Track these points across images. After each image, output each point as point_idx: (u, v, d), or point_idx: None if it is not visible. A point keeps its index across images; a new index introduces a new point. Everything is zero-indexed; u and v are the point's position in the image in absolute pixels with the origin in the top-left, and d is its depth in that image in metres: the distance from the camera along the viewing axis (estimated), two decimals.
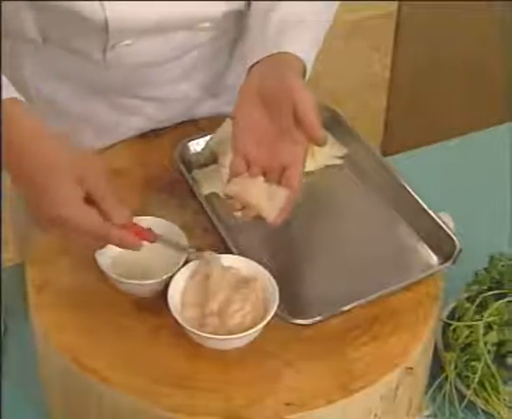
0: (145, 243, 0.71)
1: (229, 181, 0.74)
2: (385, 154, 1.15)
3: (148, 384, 0.67)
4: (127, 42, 0.82)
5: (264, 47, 0.78)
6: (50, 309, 0.73)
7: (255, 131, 0.75)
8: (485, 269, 0.89)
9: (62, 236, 0.70)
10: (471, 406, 0.83)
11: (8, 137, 0.67)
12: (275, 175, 0.75)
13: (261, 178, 0.74)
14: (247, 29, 0.84)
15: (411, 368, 0.71)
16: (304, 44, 0.78)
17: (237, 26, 0.90)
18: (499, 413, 0.82)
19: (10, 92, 0.70)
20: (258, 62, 0.77)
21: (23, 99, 0.71)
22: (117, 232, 0.68)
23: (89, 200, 0.67)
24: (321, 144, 0.74)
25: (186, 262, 0.73)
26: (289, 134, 0.74)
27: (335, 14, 0.90)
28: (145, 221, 0.78)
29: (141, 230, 0.71)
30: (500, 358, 0.84)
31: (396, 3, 1.98)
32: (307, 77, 0.79)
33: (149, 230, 0.72)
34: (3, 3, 0.75)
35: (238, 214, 0.75)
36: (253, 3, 0.85)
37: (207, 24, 0.85)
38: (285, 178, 0.74)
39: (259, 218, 0.74)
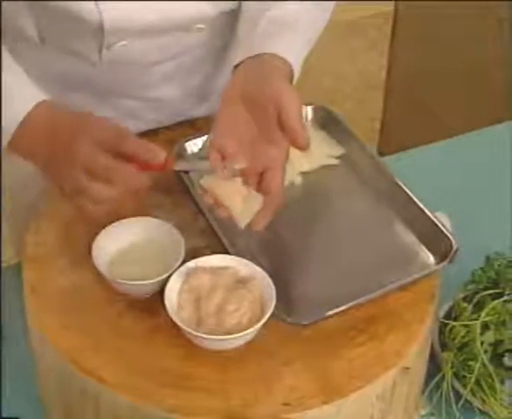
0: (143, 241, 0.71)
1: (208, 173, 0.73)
2: (382, 153, 1.16)
3: (145, 384, 0.67)
4: (122, 43, 0.82)
5: (250, 47, 0.77)
6: (46, 310, 0.73)
7: (236, 130, 0.73)
8: (481, 268, 0.90)
9: (83, 202, 0.70)
10: (468, 405, 0.83)
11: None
12: (254, 178, 0.73)
13: (239, 179, 0.72)
14: (237, 30, 0.84)
15: (407, 368, 0.71)
16: (292, 47, 0.77)
17: (230, 28, 0.90)
18: (496, 412, 0.82)
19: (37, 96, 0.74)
20: (243, 62, 0.76)
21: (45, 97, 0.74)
22: (131, 171, 0.69)
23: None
24: (303, 149, 0.73)
25: (183, 262, 0.73)
26: (271, 137, 0.73)
27: (332, 14, 0.90)
28: (141, 221, 0.78)
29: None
30: (496, 357, 0.84)
31: (392, 3, 1.98)
32: (294, 80, 0.78)
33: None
34: (3, 3, 0.75)
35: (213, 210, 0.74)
36: (244, 4, 0.85)
37: (202, 25, 0.85)
38: (264, 182, 0.73)
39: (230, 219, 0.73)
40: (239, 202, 0.72)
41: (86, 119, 0.72)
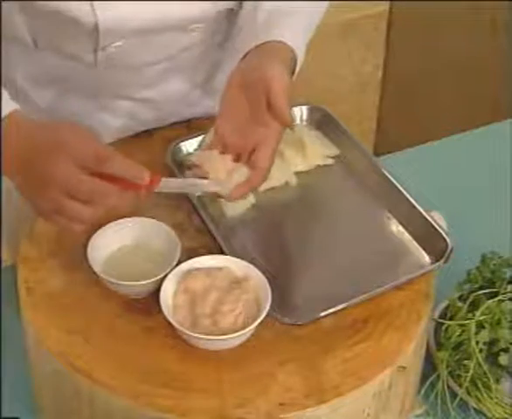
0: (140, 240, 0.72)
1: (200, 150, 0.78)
2: (378, 153, 1.16)
3: (140, 385, 0.67)
4: (118, 43, 0.82)
5: (254, 37, 0.80)
6: (41, 310, 0.73)
7: (234, 117, 0.78)
8: (477, 268, 0.90)
9: (62, 222, 0.69)
10: (463, 404, 0.83)
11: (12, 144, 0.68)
12: (245, 157, 0.78)
13: (229, 156, 0.78)
14: (239, 25, 0.85)
15: (403, 367, 0.71)
16: (293, 32, 0.80)
17: (227, 27, 0.90)
18: (491, 411, 0.82)
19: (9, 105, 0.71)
20: (249, 52, 0.79)
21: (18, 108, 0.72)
22: (115, 191, 0.67)
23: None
24: (288, 125, 0.77)
25: (178, 263, 0.73)
26: (262, 118, 0.76)
27: (327, 14, 0.90)
28: (137, 221, 0.78)
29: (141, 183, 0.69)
30: (492, 357, 0.84)
31: (387, 3, 1.98)
32: (298, 64, 0.81)
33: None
34: None
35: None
36: (244, 2, 0.86)
37: (199, 25, 0.85)
38: (252, 158, 0.77)
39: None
40: (223, 175, 0.77)
41: (65, 137, 0.68)
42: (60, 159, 0.66)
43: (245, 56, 0.80)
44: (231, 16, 0.89)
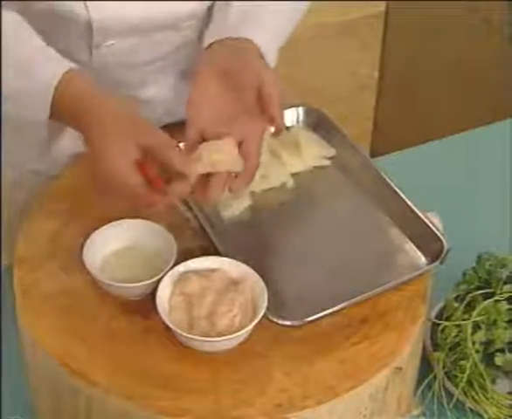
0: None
1: (188, 160, 0.74)
2: (374, 154, 1.16)
3: (136, 386, 0.67)
4: (111, 42, 0.82)
5: (224, 31, 0.79)
6: (37, 312, 0.73)
7: (211, 107, 0.75)
8: (473, 268, 0.90)
9: (110, 201, 0.72)
10: (459, 405, 0.83)
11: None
12: None
13: (205, 143, 0.74)
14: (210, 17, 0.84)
15: (400, 368, 0.71)
16: (263, 35, 0.79)
17: None
18: (487, 412, 0.82)
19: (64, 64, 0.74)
20: (214, 43, 0.78)
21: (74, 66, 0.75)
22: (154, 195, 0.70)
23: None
24: (280, 130, 0.76)
25: (175, 264, 0.73)
26: (250, 112, 0.75)
27: (324, 15, 0.90)
28: (133, 223, 0.78)
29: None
30: (488, 357, 0.85)
31: (384, 3, 1.99)
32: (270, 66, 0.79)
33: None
34: None
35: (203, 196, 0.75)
36: None
37: (191, 23, 0.85)
38: (242, 152, 0.74)
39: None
40: (218, 156, 0.73)
41: (137, 120, 0.71)
42: (131, 139, 0.69)
43: (210, 45, 0.78)
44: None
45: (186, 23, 0.85)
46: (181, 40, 0.87)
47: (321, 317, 0.72)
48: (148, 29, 0.83)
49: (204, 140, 0.75)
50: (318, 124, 0.93)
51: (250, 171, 0.75)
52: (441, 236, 0.79)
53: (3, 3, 0.76)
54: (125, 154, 0.69)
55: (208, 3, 0.85)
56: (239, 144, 0.74)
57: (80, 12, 0.77)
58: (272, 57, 0.79)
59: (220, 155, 0.73)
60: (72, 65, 0.75)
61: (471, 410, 0.83)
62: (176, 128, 0.94)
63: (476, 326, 0.84)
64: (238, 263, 0.73)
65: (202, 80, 0.76)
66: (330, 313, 0.72)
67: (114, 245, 0.76)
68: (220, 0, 0.85)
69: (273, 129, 0.77)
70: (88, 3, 0.77)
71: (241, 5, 0.81)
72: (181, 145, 0.78)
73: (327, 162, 0.91)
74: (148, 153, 0.70)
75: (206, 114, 0.75)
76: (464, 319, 0.84)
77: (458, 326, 0.84)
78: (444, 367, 0.84)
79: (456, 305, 0.87)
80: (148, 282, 0.72)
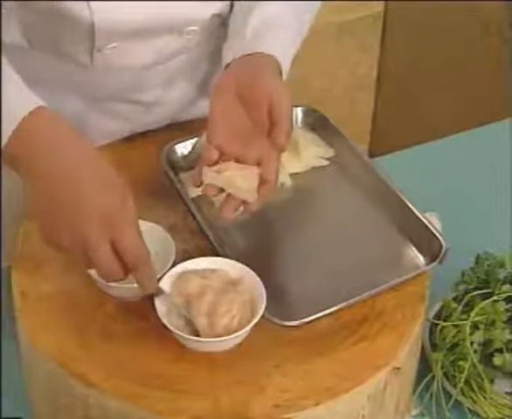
0: None
1: (202, 171, 0.75)
2: (373, 154, 1.16)
3: (134, 387, 0.67)
4: (113, 45, 0.82)
5: (241, 47, 0.79)
6: (36, 313, 0.73)
7: (230, 124, 0.76)
8: (471, 268, 0.90)
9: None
10: (458, 405, 0.83)
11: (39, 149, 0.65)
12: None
13: (231, 163, 0.75)
14: (227, 31, 0.85)
15: (398, 368, 0.71)
16: (280, 48, 0.79)
17: (221, 31, 0.90)
18: (485, 412, 0.82)
19: (32, 100, 0.67)
20: (234, 60, 0.79)
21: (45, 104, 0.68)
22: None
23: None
24: (281, 151, 0.76)
25: (173, 265, 0.73)
26: (265, 130, 0.75)
27: (322, 15, 0.90)
28: None
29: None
30: (486, 357, 0.85)
31: (382, 3, 1.99)
32: (284, 76, 0.80)
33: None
34: None
35: (217, 199, 0.75)
36: (235, 4, 0.86)
37: (195, 28, 0.85)
38: (261, 170, 0.75)
39: (240, 203, 0.75)
40: (241, 184, 0.74)
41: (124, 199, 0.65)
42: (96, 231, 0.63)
43: (230, 62, 0.79)
44: (225, 23, 0.89)
45: (189, 27, 0.85)
46: (183, 44, 0.87)
47: (320, 317, 0.72)
48: (150, 33, 0.83)
49: (221, 154, 0.75)
50: (317, 124, 0.93)
51: (266, 193, 0.75)
52: (440, 237, 0.79)
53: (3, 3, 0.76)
54: (105, 245, 0.64)
55: (211, 9, 0.85)
56: (257, 164, 0.75)
57: (83, 15, 0.77)
58: (287, 63, 0.80)
59: (242, 182, 0.74)
60: (42, 103, 0.67)
61: (469, 410, 0.83)
62: (176, 130, 0.95)
63: (475, 327, 0.84)
64: (237, 263, 0.73)
65: (221, 98, 0.77)
66: (329, 314, 0.72)
67: None
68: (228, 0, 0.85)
69: None
70: (91, 4, 0.77)
71: (257, 18, 0.82)
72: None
73: (325, 163, 0.91)
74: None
75: (225, 130, 0.76)
76: (462, 320, 0.84)
77: (456, 326, 0.84)
78: (442, 368, 0.84)
79: (455, 305, 0.87)
80: None
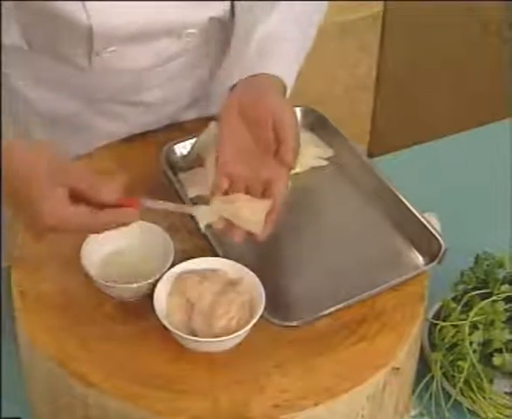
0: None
1: (211, 201, 0.74)
2: (372, 154, 1.16)
3: (134, 387, 0.67)
4: (112, 48, 0.82)
5: (244, 69, 0.79)
6: (35, 313, 0.73)
7: (238, 150, 0.76)
8: (470, 268, 0.90)
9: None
10: (457, 405, 0.83)
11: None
12: (258, 191, 0.75)
13: (241, 194, 0.75)
14: (230, 48, 0.85)
15: (397, 368, 0.71)
16: (284, 65, 0.80)
17: (220, 34, 0.90)
18: (485, 412, 0.82)
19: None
20: (238, 83, 0.79)
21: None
22: (109, 216, 0.68)
23: (75, 195, 0.67)
24: (290, 169, 0.75)
25: (172, 265, 0.73)
26: (271, 152, 0.75)
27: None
28: (131, 224, 0.78)
29: (130, 202, 0.70)
30: (485, 357, 0.85)
31: (382, 3, 1.99)
32: (288, 93, 0.80)
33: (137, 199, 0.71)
34: None
35: (225, 233, 0.74)
36: (238, 18, 0.86)
37: (193, 31, 0.85)
38: (269, 193, 0.75)
39: (247, 235, 0.74)
40: (249, 216, 0.73)
41: (63, 166, 0.68)
42: (47, 192, 0.66)
43: (234, 85, 0.79)
44: (223, 26, 0.89)
45: (187, 30, 0.85)
46: (182, 47, 0.87)
47: (319, 317, 0.72)
48: (149, 36, 0.83)
49: (231, 181, 0.75)
50: (316, 125, 0.93)
51: (274, 214, 0.74)
52: (439, 237, 0.79)
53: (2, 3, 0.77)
54: (57, 198, 0.66)
55: (209, 12, 0.85)
56: (265, 184, 0.75)
57: (80, 19, 0.77)
58: (291, 82, 0.80)
59: (250, 215, 0.73)
60: None
61: (469, 410, 0.83)
62: (175, 130, 0.95)
63: (474, 327, 0.84)
64: (236, 263, 0.73)
65: (227, 123, 0.77)
66: (328, 314, 0.72)
67: (111, 246, 0.76)
68: (222, 0, 0.85)
69: None
70: (89, 10, 0.77)
71: (260, 36, 0.82)
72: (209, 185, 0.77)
73: (324, 163, 0.91)
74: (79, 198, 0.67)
75: (235, 157, 0.75)
76: (462, 320, 0.84)
77: (455, 326, 0.84)
78: (442, 368, 0.84)
79: (454, 305, 0.87)
80: (146, 283, 0.72)
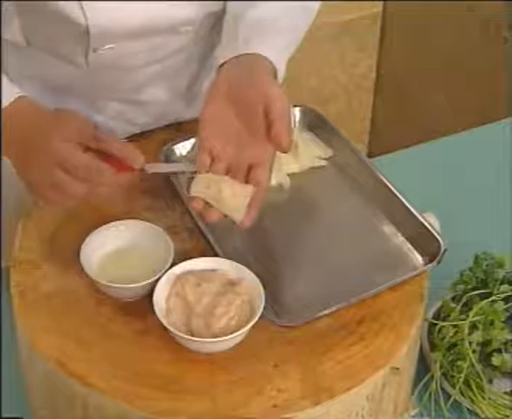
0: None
1: (193, 179, 0.73)
2: (372, 154, 1.16)
3: (133, 388, 0.67)
4: (109, 46, 0.82)
5: (233, 48, 0.77)
6: (34, 314, 0.73)
7: (222, 128, 0.74)
8: (470, 268, 0.90)
9: (55, 198, 0.72)
10: (457, 405, 0.83)
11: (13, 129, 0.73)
12: (241, 173, 0.74)
13: (225, 177, 0.73)
14: (221, 31, 0.84)
15: (397, 368, 0.71)
16: (274, 49, 0.78)
17: (216, 30, 0.90)
18: (484, 412, 0.82)
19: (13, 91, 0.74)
20: (226, 62, 0.77)
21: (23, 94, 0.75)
22: (111, 172, 0.70)
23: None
24: (284, 151, 0.73)
25: (172, 265, 0.73)
26: (258, 134, 0.73)
27: (320, 16, 0.90)
28: (131, 224, 0.78)
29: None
30: (485, 357, 0.85)
31: (381, 3, 1.99)
32: (280, 79, 0.78)
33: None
34: None
35: (201, 215, 0.74)
36: (228, 3, 0.85)
37: (188, 28, 0.85)
38: (252, 176, 0.73)
39: (224, 219, 0.73)
40: (229, 201, 0.72)
41: (65, 117, 0.73)
42: (59, 135, 0.70)
43: (222, 65, 0.77)
44: (219, 22, 0.88)
45: (184, 27, 0.85)
46: (178, 44, 0.87)
47: (319, 317, 0.72)
48: (145, 33, 0.83)
49: (212, 159, 0.73)
50: (315, 124, 0.93)
51: (260, 197, 0.73)
52: (438, 237, 0.79)
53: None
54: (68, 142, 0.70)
55: (205, 8, 0.85)
56: (249, 168, 0.73)
57: (78, 18, 0.77)
58: (281, 69, 0.78)
59: (231, 199, 0.72)
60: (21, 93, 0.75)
61: (468, 410, 0.83)
62: (175, 130, 0.95)
63: (473, 327, 0.84)
64: (235, 263, 0.73)
65: (212, 101, 0.75)
66: (328, 314, 0.72)
67: (111, 246, 0.76)
68: (217, 0, 0.85)
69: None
70: (85, 8, 0.77)
71: (250, 20, 0.80)
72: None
73: (324, 163, 0.91)
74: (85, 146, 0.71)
75: (216, 136, 0.74)
76: (461, 320, 0.84)
77: (455, 326, 0.84)
78: (441, 368, 0.84)
79: (453, 305, 0.87)
80: (146, 283, 0.72)
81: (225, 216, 0.72)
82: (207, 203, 0.72)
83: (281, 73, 0.78)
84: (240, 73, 0.75)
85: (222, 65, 0.77)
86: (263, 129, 0.73)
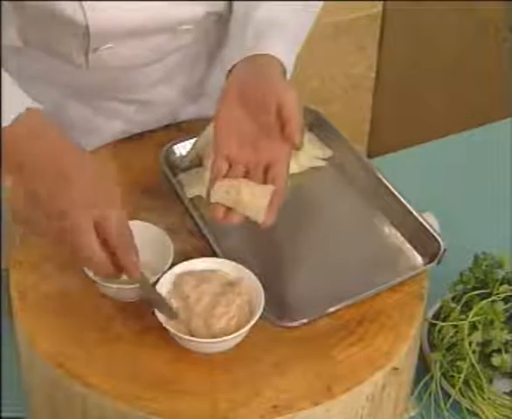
0: None
1: (211, 185, 0.73)
2: (371, 154, 1.16)
3: (133, 388, 0.67)
4: (108, 45, 0.82)
5: (242, 50, 0.78)
6: (34, 314, 0.73)
7: (237, 131, 0.74)
8: (470, 269, 0.90)
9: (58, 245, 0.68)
10: (456, 405, 0.83)
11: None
12: (259, 174, 0.74)
13: (243, 180, 0.73)
14: (228, 33, 0.84)
15: (397, 369, 0.71)
16: (282, 47, 0.78)
17: (217, 29, 0.90)
18: (484, 412, 0.82)
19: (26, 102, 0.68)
20: (237, 64, 0.77)
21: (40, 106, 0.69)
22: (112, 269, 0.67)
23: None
24: (297, 149, 0.74)
25: (172, 265, 0.73)
26: (273, 133, 0.74)
27: (320, 16, 0.90)
28: (130, 224, 0.77)
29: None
30: (485, 357, 0.85)
31: (381, 3, 1.99)
32: (288, 77, 0.79)
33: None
34: None
35: (223, 220, 0.73)
36: (234, 5, 0.85)
37: (189, 26, 0.85)
38: (270, 176, 0.73)
39: (246, 221, 0.73)
40: (251, 200, 0.72)
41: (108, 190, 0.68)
42: (84, 208, 0.65)
43: (233, 67, 0.77)
44: (221, 20, 0.89)
45: (184, 26, 0.85)
46: (179, 42, 0.87)
47: (319, 317, 0.72)
48: (145, 32, 0.83)
49: (230, 163, 0.73)
50: (314, 124, 0.93)
51: (279, 198, 0.73)
52: (438, 237, 0.79)
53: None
54: (90, 227, 0.65)
55: (205, 7, 0.85)
56: (266, 167, 0.74)
57: (77, 17, 0.77)
58: (290, 67, 0.79)
59: (251, 201, 0.72)
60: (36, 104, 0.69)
61: (468, 411, 0.83)
62: (175, 130, 0.95)
63: (473, 327, 0.84)
64: (235, 264, 0.73)
65: (225, 104, 0.75)
66: (327, 314, 0.72)
67: None
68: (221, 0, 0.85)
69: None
70: (85, 7, 0.77)
71: (258, 20, 0.80)
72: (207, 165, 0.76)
73: (323, 163, 0.91)
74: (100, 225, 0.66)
75: (232, 139, 0.74)
76: (461, 320, 0.85)
77: (455, 326, 0.84)
78: (441, 368, 0.84)
79: (453, 305, 0.87)
80: None
81: (246, 217, 0.73)
82: (227, 208, 0.72)
83: (290, 68, 0.79)
84: (251, 74, 0.76)
85: (231, 69, 0.78)
86: (277, 128, 0.73)
